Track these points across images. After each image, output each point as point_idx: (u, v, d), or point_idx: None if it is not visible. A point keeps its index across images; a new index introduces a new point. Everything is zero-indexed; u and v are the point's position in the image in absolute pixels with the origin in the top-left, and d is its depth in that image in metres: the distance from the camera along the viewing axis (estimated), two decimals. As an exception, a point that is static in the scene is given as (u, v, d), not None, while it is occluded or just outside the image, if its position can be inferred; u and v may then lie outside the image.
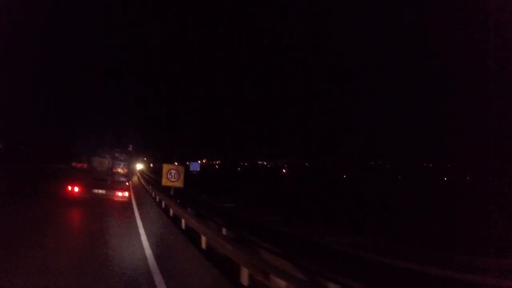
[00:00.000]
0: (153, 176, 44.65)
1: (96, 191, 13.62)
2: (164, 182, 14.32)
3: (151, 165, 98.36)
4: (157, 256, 6.88)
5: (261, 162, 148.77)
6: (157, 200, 17.46)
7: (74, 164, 14.45)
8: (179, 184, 14.23)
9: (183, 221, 10.55)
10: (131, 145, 15.23)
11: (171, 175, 13.88)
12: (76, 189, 13.41)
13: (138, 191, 22.69)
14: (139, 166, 48.70)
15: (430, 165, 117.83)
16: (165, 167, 14.50)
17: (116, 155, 14.44)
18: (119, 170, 14.38)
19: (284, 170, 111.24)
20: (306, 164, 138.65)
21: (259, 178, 65.96)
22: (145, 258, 6.81)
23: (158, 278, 5.59)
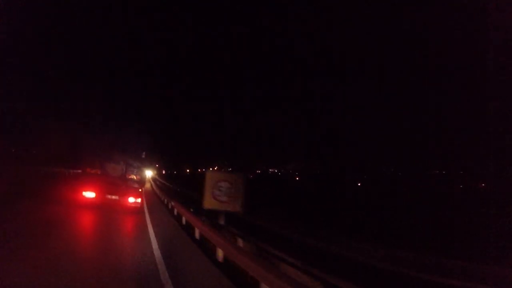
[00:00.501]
0: (171, 186, 37.86)
1: (109, 196, 13.75)
2: (208, 203, 9.32)
3: (163, 172, 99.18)
4: None
5: (272, 170, 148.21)
6: (182, 221, 12.27)
7: (88, 169, 14.64)
8: (234, 207, 9.15)
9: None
10: (144, 152, 15.39)
11: (221, 191, 9.05)
12: (90, 194, 13.57)
13: (157, 216, 14.41)
14: (149, 173, 46.71)
15: (437, 171, 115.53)
16: (210, 176, 9.50)
17: (130, 161, 14.61)
18: (132, 176, 14.52)
19: (297, 178, 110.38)
20: (318, 172, 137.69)
21: (284, 189, 61.18)
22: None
23: None
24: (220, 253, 7.10)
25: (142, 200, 14.95)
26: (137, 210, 14.12)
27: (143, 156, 15.31)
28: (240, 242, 7.73)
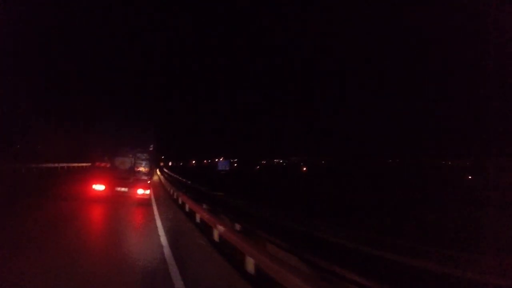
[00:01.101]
0: (179, 178, 33.10)
1: (119, 189, 14.04)
2: None
3: (170, 163, 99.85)
4: None
5: (277, 160, 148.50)
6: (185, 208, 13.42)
7: (97, 163, 14.88)
8: None
9: None
10: (152, 145, 15.49)
11: None
12: (100, 187, 13.84)
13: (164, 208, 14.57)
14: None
15: (450, 162, 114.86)
16: None
17: (138, 154, 14.81)
18: (141, 169, 14.72)
19: (305, 168, 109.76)
20: (323, 162, 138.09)
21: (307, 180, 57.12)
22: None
23: None
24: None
25: (150, 192, 15.20)
26: (146, 202, 14.37)
27: (151, 149, 15.45)
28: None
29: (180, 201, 15.31)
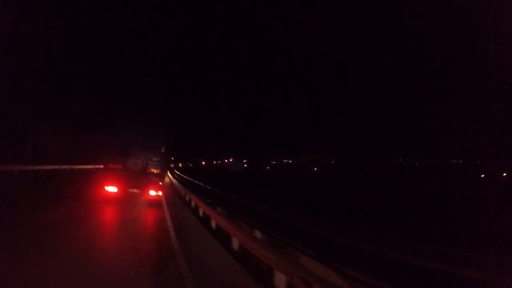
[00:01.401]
0: (210, 187, 26.16)
1: (131, 190, 14.23)
2: None
3: (180, 164, 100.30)
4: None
5: (286, 161, 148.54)
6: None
7: (110, 165, 15.14)
8: None
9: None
10: (163, 147, 15.73)
11: None
12: (112, 189, 14.04)
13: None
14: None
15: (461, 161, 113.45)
16: None
17: (150, 156, 15.04)
18: (153, 170, 14.95)
19: (315, 168, 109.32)
20: (332, 161, 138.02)
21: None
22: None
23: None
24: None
25: (162, 193, 15.39)
26: (157, 203, 14.53)
27: (162, 151, 15.67)
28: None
29: (200, 213, 12.15)
